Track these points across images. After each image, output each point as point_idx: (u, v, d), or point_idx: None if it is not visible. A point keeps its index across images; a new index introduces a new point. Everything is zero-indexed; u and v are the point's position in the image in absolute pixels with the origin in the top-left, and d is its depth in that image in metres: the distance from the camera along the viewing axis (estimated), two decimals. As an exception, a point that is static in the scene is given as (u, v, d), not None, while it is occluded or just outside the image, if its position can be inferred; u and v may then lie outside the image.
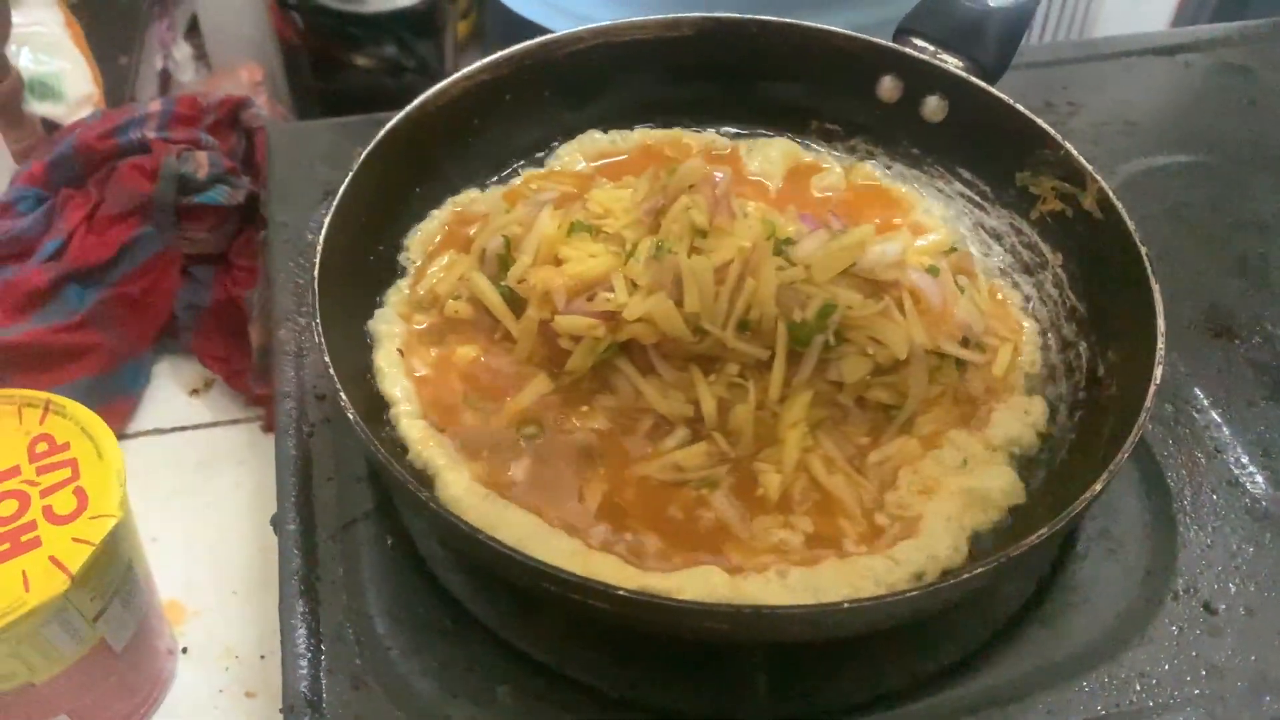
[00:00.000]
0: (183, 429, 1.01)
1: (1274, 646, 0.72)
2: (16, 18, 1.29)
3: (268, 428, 1.00)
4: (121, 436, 0.99)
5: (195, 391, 1.04)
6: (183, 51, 2.65)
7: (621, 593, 0.57)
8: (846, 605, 0.58)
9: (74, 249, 0.99)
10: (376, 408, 0.74)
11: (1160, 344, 0.70)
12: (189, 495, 0.95)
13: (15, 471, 0.69)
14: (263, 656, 0.84)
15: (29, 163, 1.05)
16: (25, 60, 1.76)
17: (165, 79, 2.50)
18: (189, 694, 0.82)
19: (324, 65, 2.93)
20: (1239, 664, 0.71)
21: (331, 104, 2.92)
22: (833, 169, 0.92)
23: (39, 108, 1.72)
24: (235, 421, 1.01)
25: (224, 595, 0.88)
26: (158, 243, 1.02)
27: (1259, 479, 0.81)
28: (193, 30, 2.67)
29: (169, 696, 0.81)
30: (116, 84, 2.05)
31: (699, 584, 0.64)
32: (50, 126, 1.58)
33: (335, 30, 2.92)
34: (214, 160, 1.03)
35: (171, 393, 1.04)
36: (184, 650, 0.84)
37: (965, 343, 0.75)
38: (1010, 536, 0.71)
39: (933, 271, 0.76)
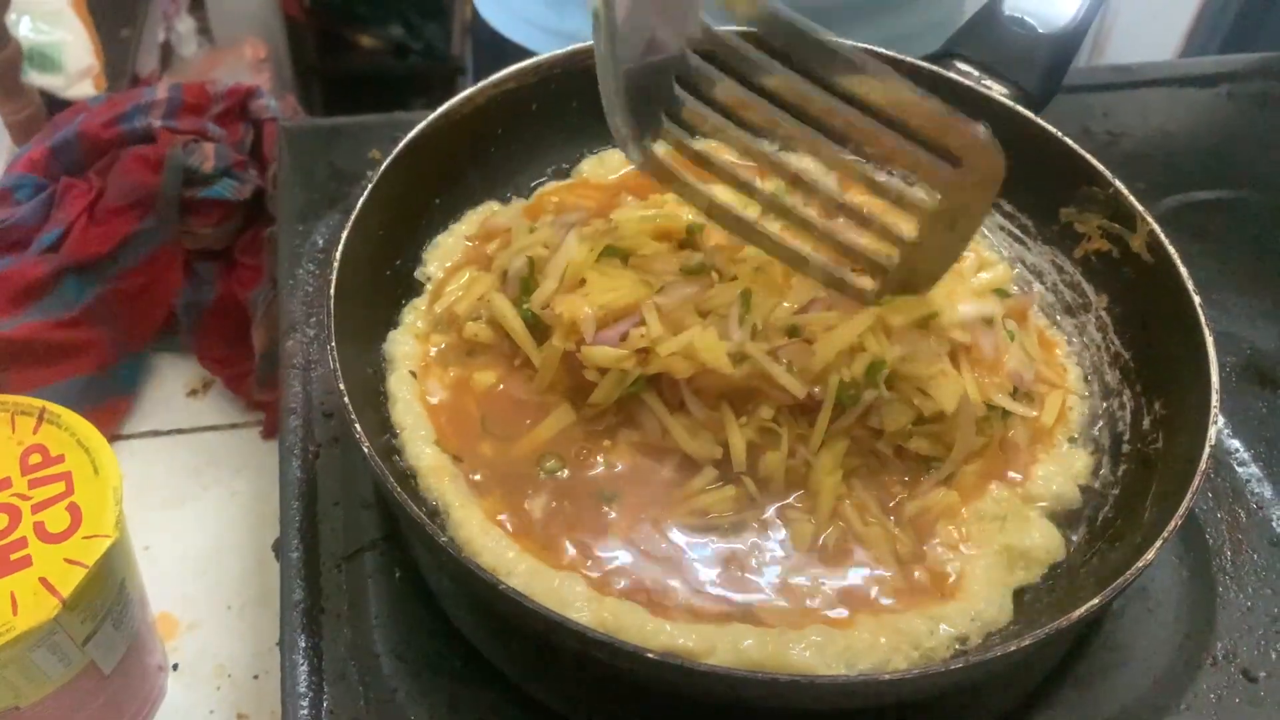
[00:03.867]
0: (180, 431, 0.97)
1: (1316, 719, 0.69)
2: (18, -13, 1.24)
3: (267, 434, 0.96)
4: (116, 437, 0.96)
5: (194, 392, 1.00)
6: (186, 25, 2.60)
7: (651, 656, 0.53)
8: (886, 677, 0.55)
9: (73, 240, 0.95)
10: (387, 432, 0.70)
11: (1215, 401, 0.67)
12: (184, 502, 0.92)
13: (6, 484, 0.66)
14: (256, 676, 0.81)
15: (28, 147, 1.00)
16: (25, 30, 1.71)
17: (166, 52, 2.45)
18: (179, 713, 0.79)
19: (329, 44, 2.90)
20: (1279, 737, 0.69)
21: (334, 83, 2.89)
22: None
23: (38, 79, 1.67)
24: (234, 426, 0.98)
25: (218, 610, 0.85)
26: (160, 237, 0.98)
27: (1303, 539, 0.79)
28: (197, 4, 2.62)
29: (157, 715, 0.78)
30: (117, 57, 2.00)
31: (728, 644, 0.61)
32: (49, 98, 1.53)
33: (342, 9, 2.88)
34: (221, 153, 0.99)
35: (169, 393, 1.00)
36: (174, 667, 0.81)
37: (1014, 393, 0.71)
38: (1051, 594, 0.68)
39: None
